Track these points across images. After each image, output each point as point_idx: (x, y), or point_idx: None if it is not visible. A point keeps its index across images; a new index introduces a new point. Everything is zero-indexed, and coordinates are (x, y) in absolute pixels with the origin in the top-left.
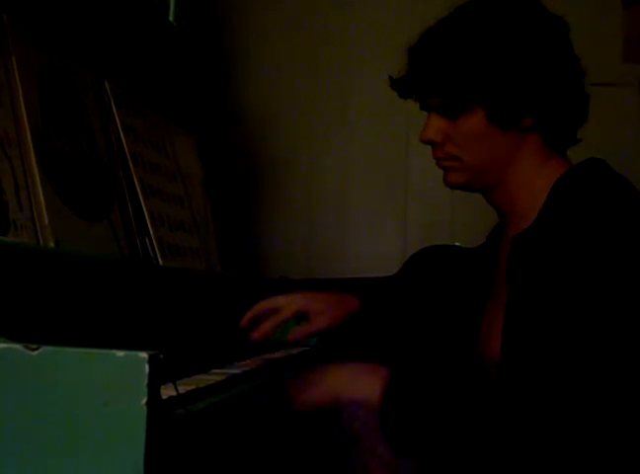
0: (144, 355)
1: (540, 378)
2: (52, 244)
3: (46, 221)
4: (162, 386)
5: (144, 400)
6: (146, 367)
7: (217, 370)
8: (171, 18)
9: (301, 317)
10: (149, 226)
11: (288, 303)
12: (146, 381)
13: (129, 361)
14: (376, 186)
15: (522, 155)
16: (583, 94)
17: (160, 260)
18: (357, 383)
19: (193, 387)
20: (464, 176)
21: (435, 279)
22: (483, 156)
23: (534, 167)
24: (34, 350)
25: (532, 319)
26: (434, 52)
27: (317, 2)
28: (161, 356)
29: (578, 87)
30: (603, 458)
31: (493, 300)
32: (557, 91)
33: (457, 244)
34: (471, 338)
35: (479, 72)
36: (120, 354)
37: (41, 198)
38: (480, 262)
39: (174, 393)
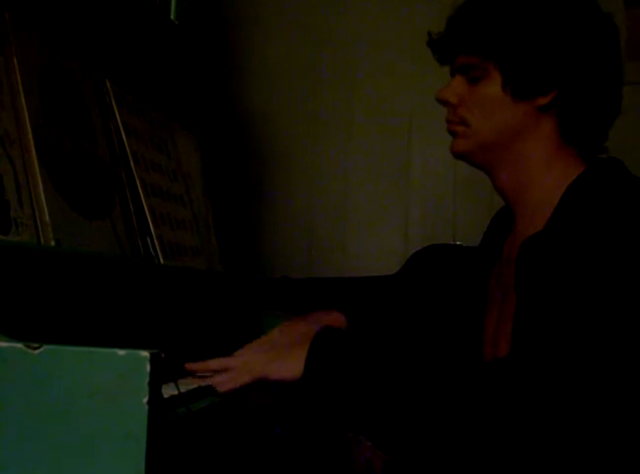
0: (146, 353)
1: (553, 385)
2: (53, 243)
3: (48, 220)
4: (164, 385)
5: (146, 399)
6: (147, 366)
7: None
8: (172, 16)
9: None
10: (150, 225)
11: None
12: (147, 380)
13: (131, 360)
14: (378, 184)
15: (533, 137)
16: (611, 84)
17: (161, 259)
18: (275, 363)
19: (194, 386)
20: (469, 144)
21: (436, 279)
22: (490, 126)
23: (544, 154)
24: (35, 349)
25: (544, 325)
26: (468, 9)
27: (321, 1)
28: (162, 355)
29: (606, 75)
30: (607, 460)
31: (500, 302)
32: (580, 70)
33: (459, 243)
34: (474, 339)
35: (500, 30)
36: (122, 352)
37: (43, 197)
38: (482, 260)
39: (175, 392)
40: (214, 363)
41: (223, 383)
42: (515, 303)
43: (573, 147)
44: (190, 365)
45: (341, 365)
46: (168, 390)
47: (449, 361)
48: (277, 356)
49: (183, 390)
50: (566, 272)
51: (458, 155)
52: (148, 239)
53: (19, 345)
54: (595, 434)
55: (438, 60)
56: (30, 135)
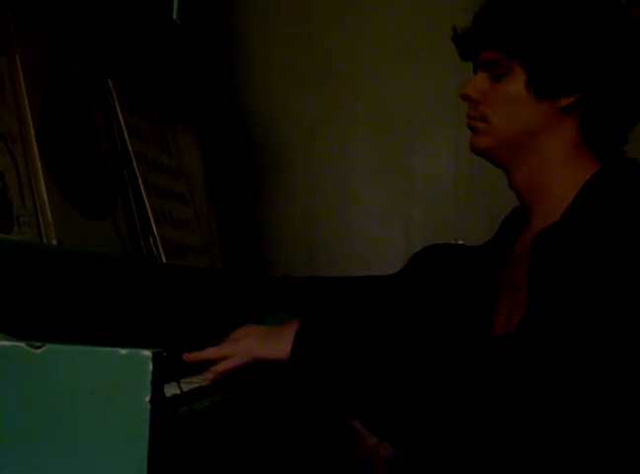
0: (148, 353)
1: (556, 365)
2: (55, 242)
3: (50, 219)
4: (166, 384)
5: (148, 398)
6: (150, 365)
7: None
8: (175, 16)
9: None
10: (153, 224)
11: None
12: (150, 379)
13: (133, 360)
14: (380, 186)
15: (553, 137)
16: (635, 88)
17: (163, 258)
18: (268, 344)
19: (196, 385)
20: (488, 140)
21: (440, 276)
22: (512, 123)
23: (562, 154)
24: (37, 348)
25: (553, 309)
26: (497, 5)
27: (322, 2)
28: (164, 355)
29: (631, 79)
30: (603, 457)
31: (510, 298)
32: (605, 74)
33: (461, 242)
34: (482, 332)
35: (529, 28)
36: (124, 352)
37: (45, 196)
38: (493, 257)
39: (178, 391)
40: (211, 352)
41: (220, 365)
42: (525, 298)
43: (591, 148)
44: (187, 356)
45: (329, 342)
46: (170, 389)
47: (444, 340)
48: (269, 339)
49: (185, 389)
50: (578, 262)
51: (478, 151)
52: (150, 238)
53: (21, 344)
54: (596, 420)
55: (460, 56)
56: (32, 134)
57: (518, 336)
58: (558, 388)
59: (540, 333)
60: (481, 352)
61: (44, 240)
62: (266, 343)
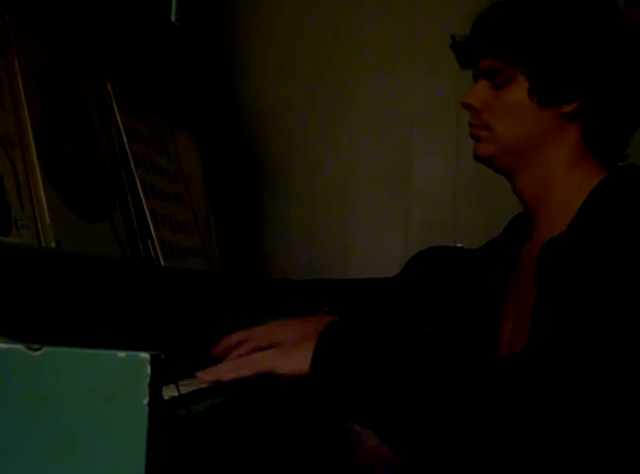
0: (146, 355)
1: (566, 382)
2: (54, 244)
3: (48, 222)
4: (164, 387)
5: (146, 400)
6: (148, 368)
7: None
8: (173, 18)
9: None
10: (151, 227)
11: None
12: (148, 382)
13: (131, 362)
14: (379, 187)
15: (556, 144)
16: (636, 93)
17: (162, 260)
18: (286, 358)
19: (195, 388)
20: (491, 148)
21: (440, 280)
22: (515, 131)
23: (566, 160)
24: (35, 350)
25: (562, 324)
26: (496, 13)
27: (320, 2)
28: (163, 357)
29: (632, 84)
30: (617, 456)
31: (516, 306)
32: (606, 80)
33: (460, 245)
34: (489, 343)
35: (530, 36)
36: (122, 354)
37: (43, 199)
38: (498, 264)
39: (176, 394)
40: (223, 367)
41: (227, 371)
42: (532, 305)
43: (594, 154)
44: (200, 376)
45: (348, 358)
46: (168, 392)
47: (460, 356)
48: (283, 352)
49: (183, 392)
50: (587, 273)
51: (481, 159)
52: (149, 241)
53: (19, 346)
54: (605, 432)
55: (460, 64)
56: (30, 137)
57: (528, 354)
58: (570, 407)
59: (552, 351)
60: (493, 370)
61: (43, 243)
62: (279, 356)
